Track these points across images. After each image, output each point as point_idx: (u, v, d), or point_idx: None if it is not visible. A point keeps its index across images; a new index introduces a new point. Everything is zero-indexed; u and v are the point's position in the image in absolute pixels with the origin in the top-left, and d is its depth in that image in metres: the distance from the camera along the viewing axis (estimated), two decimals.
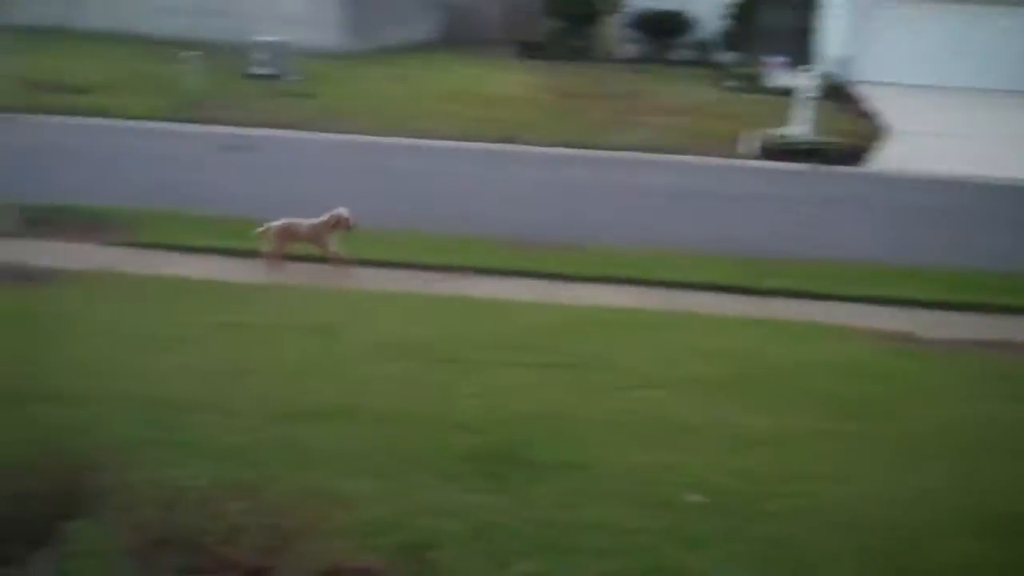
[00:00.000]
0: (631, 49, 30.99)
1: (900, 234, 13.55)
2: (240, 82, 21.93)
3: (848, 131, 19.82)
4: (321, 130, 18.37)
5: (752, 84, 25.42)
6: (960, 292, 10.92)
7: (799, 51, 28.10)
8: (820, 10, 28.94)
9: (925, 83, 26.75)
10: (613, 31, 31.86)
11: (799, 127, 18.57)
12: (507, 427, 6.76)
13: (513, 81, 24.63)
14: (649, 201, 14.84)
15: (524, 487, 5.91)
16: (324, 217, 10.73)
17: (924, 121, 22.47)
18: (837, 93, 24.29)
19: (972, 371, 8.68)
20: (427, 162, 16.54)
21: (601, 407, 7.23)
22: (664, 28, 30.85)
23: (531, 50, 29.99)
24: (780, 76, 24.62)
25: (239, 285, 10.17)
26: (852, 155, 18.24)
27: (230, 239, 11.19)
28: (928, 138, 20.45)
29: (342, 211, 10.72)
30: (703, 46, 30.72)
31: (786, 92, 20.45)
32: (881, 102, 23.76)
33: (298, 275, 10.60)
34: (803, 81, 19.14)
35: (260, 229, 10.77)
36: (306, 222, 10.79)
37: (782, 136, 18.47)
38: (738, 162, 17.81)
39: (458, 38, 32.43)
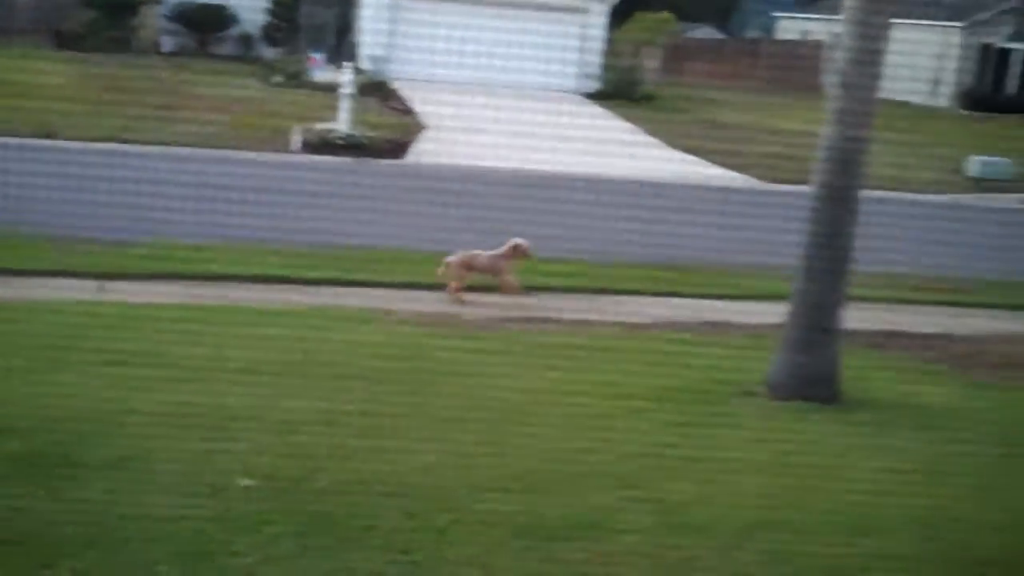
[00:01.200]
0: (172, 42, 30.41)
1: (439, 221, 14.38)
2: None
3: (389, 126, 20.71)
4: None
5: (297, 80, 25.81)
6: None
7: (341, 47, 28.86)
8: (358, 7, 29.82)
9: (460, 80, 28.34)
10: (154, 23, 31.09)
11: (343, 123, 19.15)
12: (54, 429, 6.63)
13: (49, 73, 23.40)
14: (198, 196, 14.74)
15: (72, 487, 5.86)
16: (503, 248, 11.06)
17: (456, 117, 23.82)
18: (379, 89, 25.24)
19: (505, 344, 9.49)
20: None
21: (152, 402, 7.25)
22: (206, 21, 30.54)
23: (67, 41, 28.62)
24: (323, 72, 25.18)
25: None
26: (393, 149, 19.09)
27: None
28: (459, 132, 21.73)
29: (521, 241, 11.09)
30: (247, 41, 30.73)
31: (330, 88, 21.00)
32: (418, 98, 24.96)
33: None
34: (345, 77, 19.74)
35: (442, 266, 11.04)
36: (485, 253, 10.99)
37: (327, 131, 18.96)
38: (287, 157, 18.08)
39: None
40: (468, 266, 11.13)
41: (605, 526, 6.12)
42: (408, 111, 23.75)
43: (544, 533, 5.95)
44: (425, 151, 19.57)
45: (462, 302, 11.00)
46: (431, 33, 29.12)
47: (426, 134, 21.11)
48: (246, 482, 6.11)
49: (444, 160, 18.87)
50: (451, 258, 11.12)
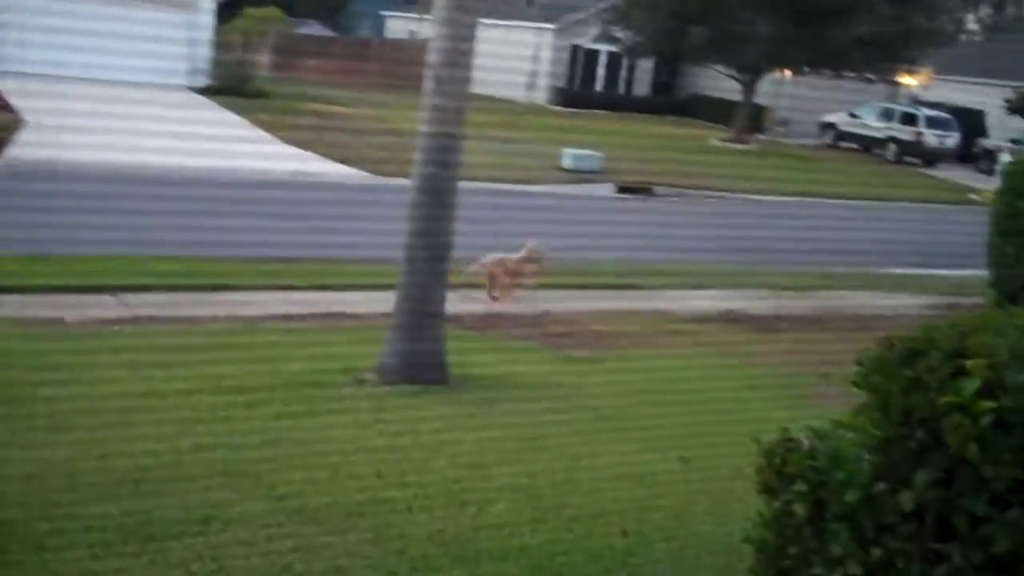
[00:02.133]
0: None
1: (39, 224, 13.65)
2: None
3: None
4: None
5: None
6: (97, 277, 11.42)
7: None
8: None
9: (63, 73, 26.84)
10: None
11: None
12: None
13: None
14: None
15: None
16: (522, 252, 11.76)
17: (59, 111, 22.66)
18: None
19: (111, 346, 9.21)
20: None
21: None
22: None
23: None
24: None
25: None
26: None
27: None
28: (62, 127, 20.71)
29: (536, 244, 11.84)
30: None
31: None
32: (16, 91, 23.53)
33: None
34: None
35: (473, 267, 11.36)
36: (511, 257, 11.71)
37: None
38: None
39: None
40: (505, 270, 11.70)
41: (218, 519, 6.15)
42: (4, 105, 22.28)
43: (154, 533, 5.90)
44: (26, 144, 18.50)
45: (498, 299, 11.69)
46: (29, 22, 27.43)
47: (26, 129, 19.94)
48: None
49: (45, 155, 17.91)
50: (486, 260, 11.63)
